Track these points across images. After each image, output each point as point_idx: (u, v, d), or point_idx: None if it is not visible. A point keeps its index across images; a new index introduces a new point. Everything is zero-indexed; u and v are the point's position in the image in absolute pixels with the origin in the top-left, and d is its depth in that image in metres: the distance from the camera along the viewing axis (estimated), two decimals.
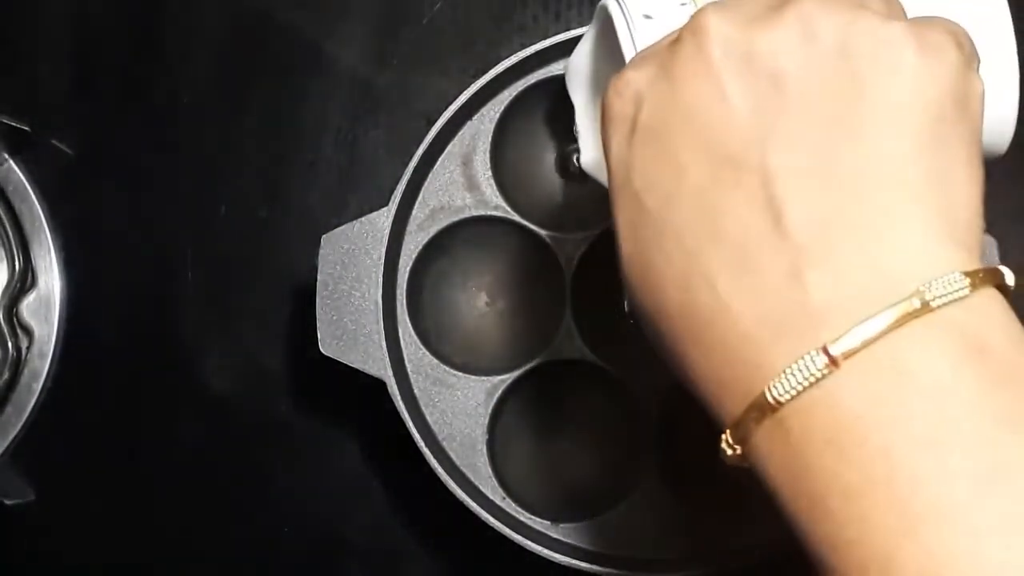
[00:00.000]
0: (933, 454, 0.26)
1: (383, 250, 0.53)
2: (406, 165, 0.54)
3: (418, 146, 0.54)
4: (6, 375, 0.59)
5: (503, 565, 0.56)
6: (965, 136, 0.30)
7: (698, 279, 0.30)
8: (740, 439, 0.29)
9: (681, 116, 0.31)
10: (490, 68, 0.54)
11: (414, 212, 0.55)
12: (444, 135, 0.55)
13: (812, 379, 0.27)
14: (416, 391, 0.54)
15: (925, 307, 0.27)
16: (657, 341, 0.32)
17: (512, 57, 0.54)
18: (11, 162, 0.61)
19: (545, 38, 0.54)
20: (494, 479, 0.54)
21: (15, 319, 0.60)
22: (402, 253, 0.55)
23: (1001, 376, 0.27)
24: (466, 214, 0.55)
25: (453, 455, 0.54)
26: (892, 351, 0.27)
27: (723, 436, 0.30)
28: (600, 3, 0.40)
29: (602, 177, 0.45)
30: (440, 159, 0.55)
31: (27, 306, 0.60)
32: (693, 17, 0.31)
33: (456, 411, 0.54)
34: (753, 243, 0.29)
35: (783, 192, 0.29)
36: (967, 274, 0.28)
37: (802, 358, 0.27)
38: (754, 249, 0.29)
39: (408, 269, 0.55)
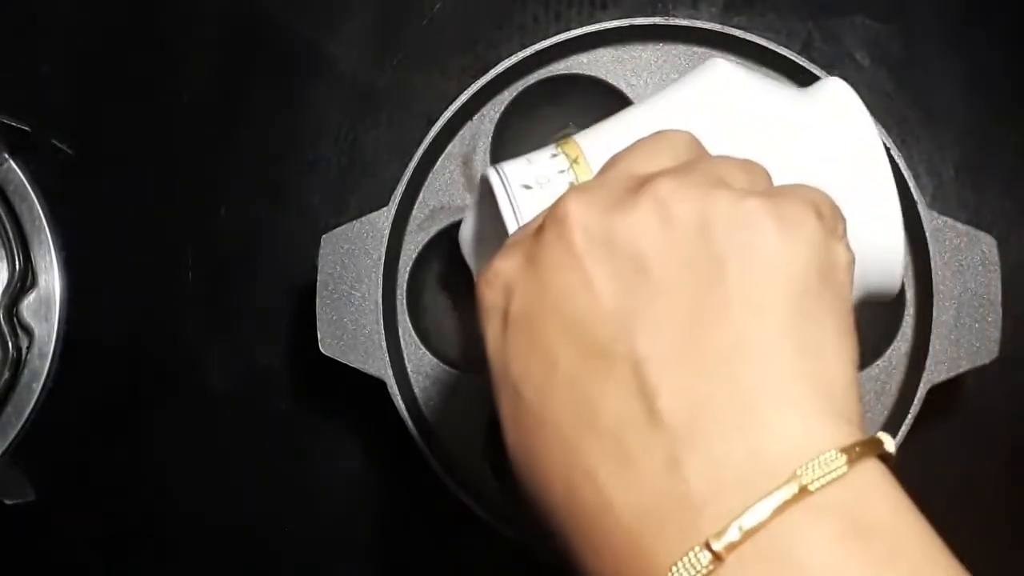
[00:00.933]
0: None
1: (383, 250, 0.53)
2: (406, 165, 0.54)
3: (418, 146, 0.54)
4: (6, 375, 0.59)
5: (503, 565, 0.56)
6: (833, 307, 0.29)
7: (580, 473, 0.29)
8: None
9: (549, 306, 0.30)
10: (490, 68, 0.54)
11: (414, 212, 0.55)
12: (444, 135, 0.55)
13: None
14: (416, 391, 0.54)
15: (803, 491, 0.26)
16: (552, 535, 0.31)
17: (512, 57, 0.54)
18: (11, 162, 0.61)
19: (545, 38, 0.54)
20: (494, 479, 0.54)
21: (15, 319, 0.60)
22: (402, 253, 0.55)
23: (887, 554, 0.26)
24: None
25: (453, 455, 0.54)
26: (775, 540, 0.26)
27: None
28: (482, 174, 0.40)
29: None
30: (440, 159, 0.55)
31: (27, 306, 0.60)
32: (554, 204, 0.31)
33: (456, 411, 0.54)
34: (629, 433, 0.28)
35: (653, 379, 0.28)
36: (844, 450, 0.27)
37: (686, 555, 0.26)
38: (630, 439, 0.28)
39: (408, 269, 0.55)
